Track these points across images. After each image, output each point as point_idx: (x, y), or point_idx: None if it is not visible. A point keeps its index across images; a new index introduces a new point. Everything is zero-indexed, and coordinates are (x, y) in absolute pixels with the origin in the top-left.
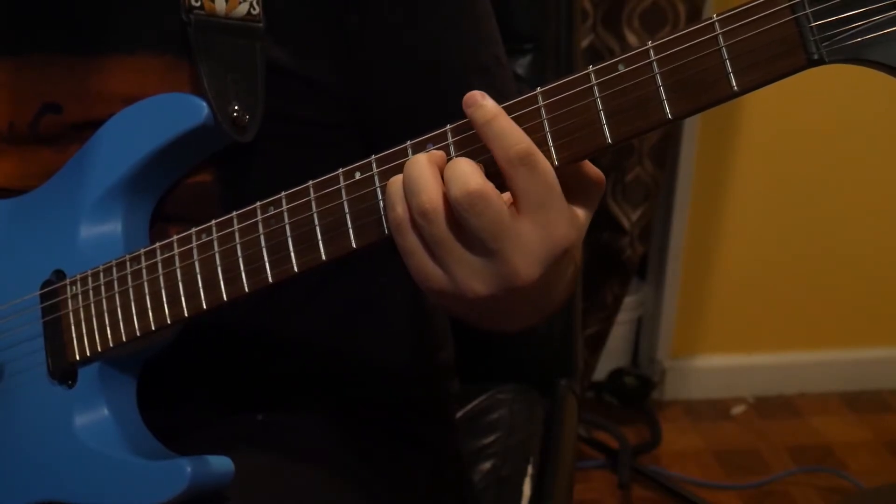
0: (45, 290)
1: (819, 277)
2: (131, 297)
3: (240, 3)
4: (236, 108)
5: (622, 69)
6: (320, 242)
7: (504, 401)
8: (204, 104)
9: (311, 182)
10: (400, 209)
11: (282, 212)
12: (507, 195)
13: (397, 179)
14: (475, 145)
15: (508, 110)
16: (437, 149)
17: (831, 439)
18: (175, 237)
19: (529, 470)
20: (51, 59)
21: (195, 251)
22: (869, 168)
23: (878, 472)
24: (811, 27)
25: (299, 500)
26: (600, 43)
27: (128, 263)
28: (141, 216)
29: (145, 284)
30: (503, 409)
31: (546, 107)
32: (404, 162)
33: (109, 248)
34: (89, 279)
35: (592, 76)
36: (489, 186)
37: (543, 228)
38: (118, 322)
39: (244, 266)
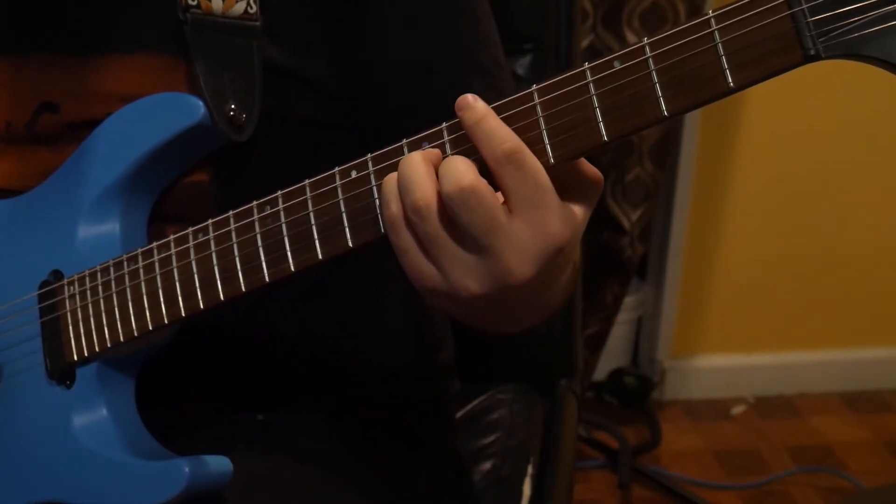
0: (43, 290)
1: (819, 277)
2: (129, 297)
3: (236, 1)
4: (233, 107)
5: (618, 66)
6: (317, 241)
7: (504, 401)
8: (200, 103)
9: (307, 181)
10: (394, 207)
11: (278, 211)
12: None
13: (392, 177)
14: (470, 143)
15: (503, 108)
16: (432, 147)
17: (831, 439)
18: (172, 237)
19: (529, 470)
20: (49, 58)
21: (192, 251)
22: (869, 168)
23: (878, 472)
24: (808, 22)
25: (299, 501)
26: (600, 43)
27: (125, 263)
28: (138, 216)
29: (143, 284)
30: (503, 409)
31: (541, 104)
32: (400, 160)
33: (107, 247)
34: (87, 279)
35: (588, 73)
36: (482, 183)
37: (536, 227)
38: (116, 322)
39: (241, 265)
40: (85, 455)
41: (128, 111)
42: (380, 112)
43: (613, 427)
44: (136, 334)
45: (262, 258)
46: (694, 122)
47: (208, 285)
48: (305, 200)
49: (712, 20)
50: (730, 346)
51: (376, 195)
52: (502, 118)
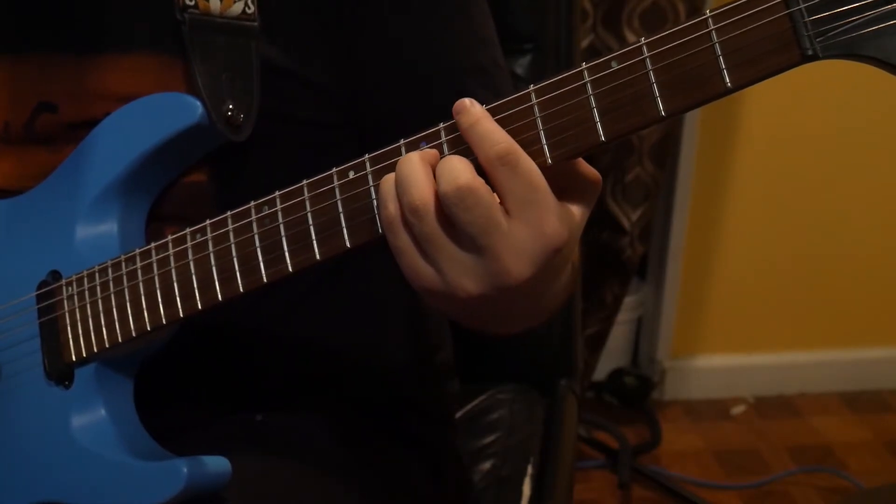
0: (42, 290)
1: (819, 277)
2: (127, 297)
3: (234, 2)
4: (231, 107)
5: (615, 66)
6: (314, 242)
7: (504, 401)
8: (198, 103)
9: (305, 181)
10: (392, 207)
11: (276, 211)
12: None
13: (390, 178)
14: (467, 144)
15: (501, 108)
16: (430, 147)
17: (831, 439)
18: (170, 237)
19: (529, 470)
20: (47, 58)
21: (190, 251)
22: (869, 168)
23: (878, 472)
24: (805, 22)
25: (298, 501)
26: (600, 43)
27: (123, 264)
28: (137, 216)
29: (141, 285)
30: (503, 409)
31: (539, 105)
32: (398, 161)
33: (105, 248)
34: (85, 280)
35: (585, 73)
36: (479, 182)
37: (533, 227)
38: (114, 322)
39: (239, 266)
40: (83, 455)
41: (126, 111)
42: (378, 112)
43: (613, 427)
44: (134, 335)
45: (260, 258)
46: (694, 122)
47: (206, 286)
48: (303, 201)
49: (710, 20)
50: (730, 346)
51: (374, 196)
52: (500, 118)
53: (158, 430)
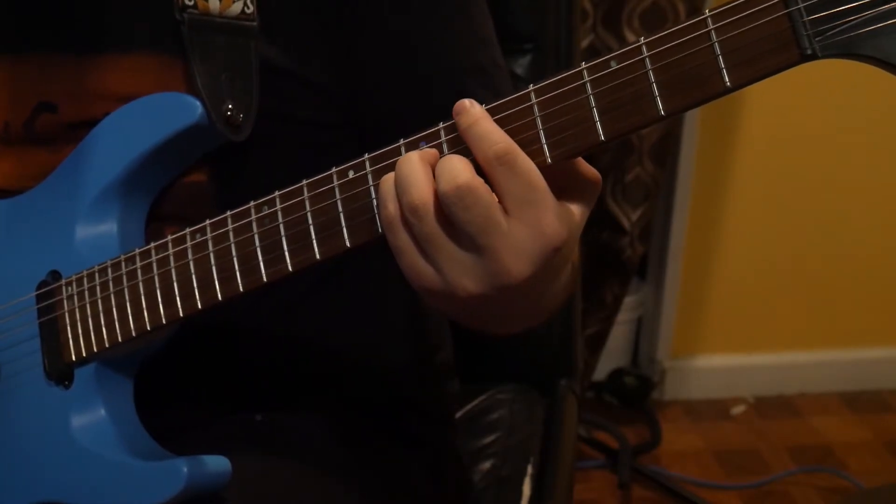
0: (41, 290)
1: (819, 277)
2: (127, 297)
3: (233, 1)
4: (230, 107)
5: (614, 66)
6: (314, 241)
7: (504, 401)
8: (198, 103)
9: (304, 181)
10: (391, 207)
11: (276, 211)
12: None
13: (389, 177)
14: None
15: (500, 108)
16: (429, 147)
17: (831, 439)
18: (170, 237)
19: (529, 470)
20: (47, 58)
21: (190, 251)
22: (869, 168)
23: (878, 472)
24: (804, 22)
25: (297, 501)
26: (600, 43)
27: (123, 264)
28: (136, 216)
29: (140, 285)
30: (503, 409)
31: (538, 104)
32: (398, 160)
33: (105, 248)
34: (85, 280)
35: (585, 73)
36: (478, 181)
37: (532, 226)
38: (114, 322)
39: (239, 266)
40: (83, 455)
41: (125, 111)
42: (378, 112)
43: (613, 427)
44: (134, 335)
45: (260, 258)
46: (694, 121)
47: (206, 285)
48: (303, 201)
49: (709, 20)
50: (730, 346)
51: (374, 195)
52: (499, 118)
53: (158, 430)
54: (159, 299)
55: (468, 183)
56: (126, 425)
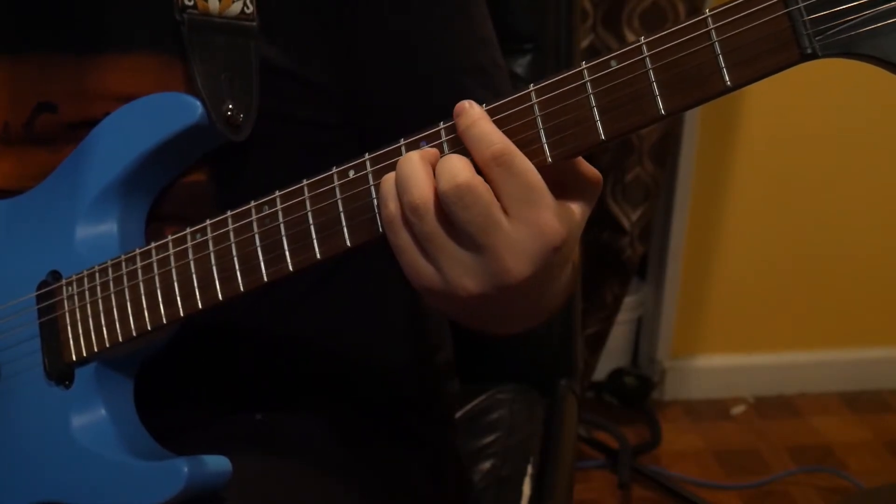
0: (41, 290)
1: (819, 277)
2: (127, 297)
3: (233, 2)
4: (230, 107)
5: (615, 65)
6: (315, 241)
7: (504, 401)
8: (198, 103)
9: (305, 181)
10: (392, 206)
11: (276, 211)
12: None
13: (390, 177)
14: None
15: (501, 108)
16: (430, 147)
17: (831, 439)
18: (170, 237)
19: (529, 470)
20: (47, 58)
21: (190, 251)
22: (869, 168)
23: (878, 472)
24: (804, 21)
25: (297, 500)
26: (600, 43)
27: (123, 264)
28: (136, 216)
29: (141, 285)
30: (503, 409)
31: (539, 104)
32: (398, 160)
33: (105, 248)
34: (85, 280)
35: (585, 73)
36: (478, 180)
37: (532, 226)
38: (114, 322)
39: (239, 266)
40: (84, 455)
41: (125, 111)
42: (378, 112)
43: (613, 427)
44: (134, 335)
45: (261, 258)
46: (694, 121)
47: (206, 285)
48: (303, 200)
49: (709, 19)
50: (730, 346)
51: (374, 195)
52: (499, 118)
53: (158, 430)
54: (160, 299)
55: (468, 182)
56: (126, 425)
